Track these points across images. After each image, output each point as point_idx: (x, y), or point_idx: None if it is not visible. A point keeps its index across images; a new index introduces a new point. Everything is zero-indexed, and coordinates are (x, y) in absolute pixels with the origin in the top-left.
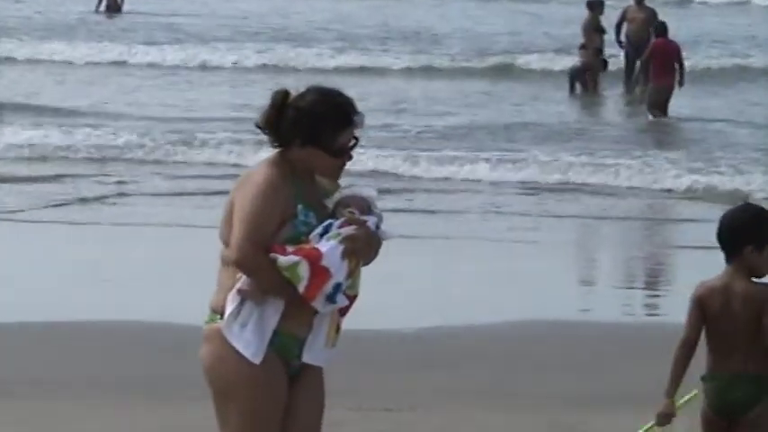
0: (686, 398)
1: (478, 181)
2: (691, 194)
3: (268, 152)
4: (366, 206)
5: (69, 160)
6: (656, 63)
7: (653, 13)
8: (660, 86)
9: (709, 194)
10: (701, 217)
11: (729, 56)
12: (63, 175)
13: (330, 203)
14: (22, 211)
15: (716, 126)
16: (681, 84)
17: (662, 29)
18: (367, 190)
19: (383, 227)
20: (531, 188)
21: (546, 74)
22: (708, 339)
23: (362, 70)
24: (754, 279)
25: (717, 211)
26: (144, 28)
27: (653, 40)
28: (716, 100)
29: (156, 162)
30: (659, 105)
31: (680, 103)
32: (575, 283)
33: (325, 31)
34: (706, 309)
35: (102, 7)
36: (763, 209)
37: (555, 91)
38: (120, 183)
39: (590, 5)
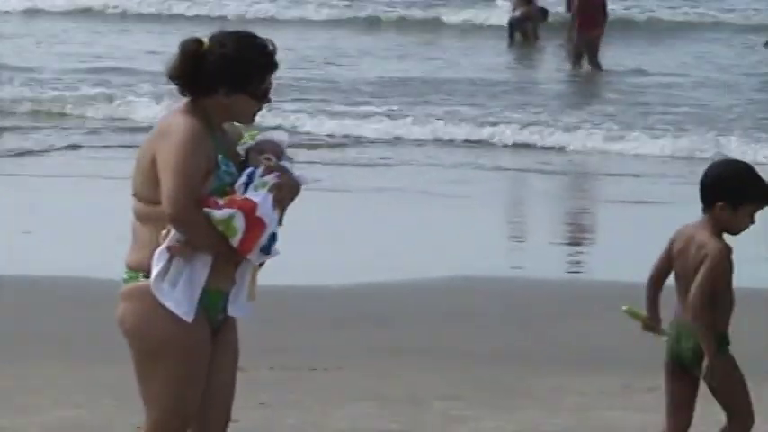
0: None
1: (401, 139)
2: (622, 151)
3: None
4: (280, 151)
5: None
6: (583, 15)
7: None
8: (588, 37)
9: (641, 151)
10: (632, 172)
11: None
12: None
13: (241, 150)
14: None
15: (654, 80)
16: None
17: None
18: (278, 134)
19: (298, 172)
20: (462, 143)
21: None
22: (675, 283)
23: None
24: (726, 235)
25: (648, 167)
26: None
27: None
28: (658, 53)
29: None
30: (590, 57)
31: (620, 54)
32: (506, 238)
33: None
34: (672, 250)
35: None
36: (747, 167)
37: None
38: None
39: None
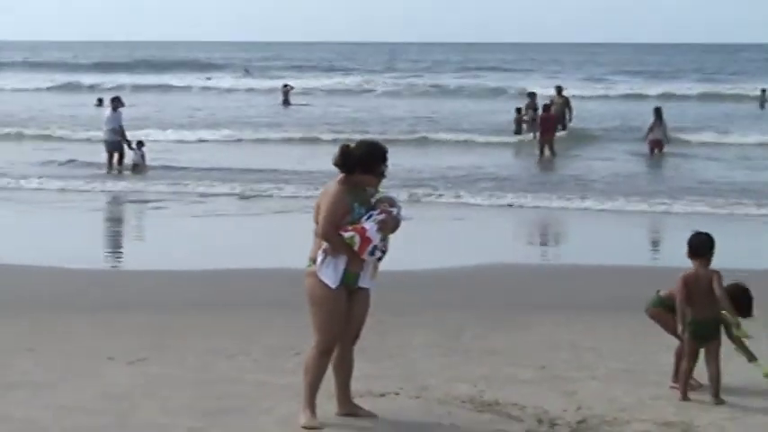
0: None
1: None
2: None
3: None
4: (391, 202)
5: None
6: (543, 126)
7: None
8: (547, 138)
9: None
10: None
11: None
12: None
13: (373, 201)
14: None
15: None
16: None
17: (546, 107)
18: (392, 194)
19: (401, 213)
20: None
21: None
22: None
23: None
24: None
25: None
26: None
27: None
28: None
29: None
30: (549, 148)
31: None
32: None
33: None
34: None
35: None
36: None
37: None
38: None
39: (530, 95)
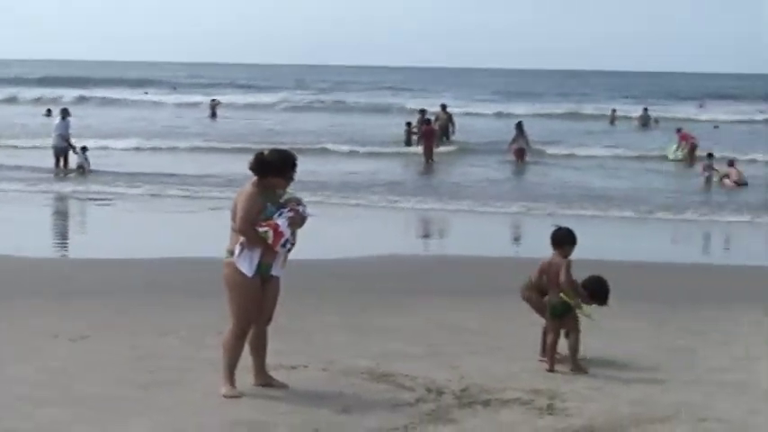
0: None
1: None
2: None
3: None
4: (298, 201)
5: None
6: (426, 140)
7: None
8: (428, 148)
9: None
10: None
11: None
12: None
13: (282, 200)
14: None
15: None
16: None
17: (428, 121)
18: (297, 195)
19: (307, 211)
20: None
21: None
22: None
23: None
24: None
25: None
26: None
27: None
28: None
29: None
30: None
31: None
32: None
33: None
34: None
35: None
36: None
37: None
38: None
39: (420, 111)
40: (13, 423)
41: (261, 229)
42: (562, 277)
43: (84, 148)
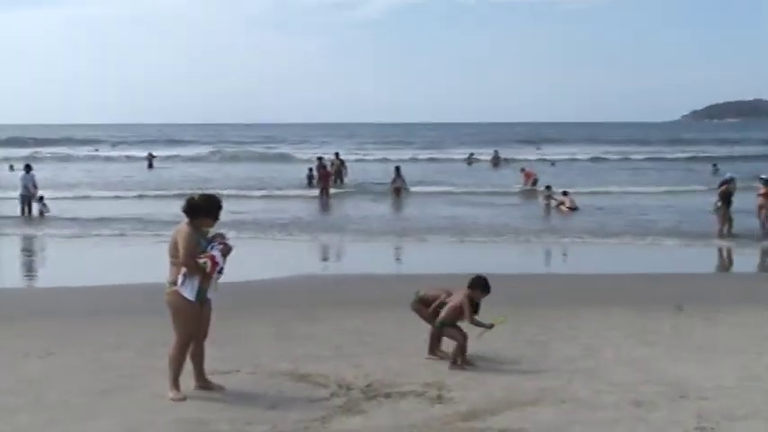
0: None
1: None
2: None
3: None
4: (223, 236)
5: None
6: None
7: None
8: (325, 188)
9: None
10: None
11: None
12: None
13: (209, 236)
14: None
15: None
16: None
17: (324, 166)
18: (221, 231)
19: (230, 243)
20: None
21: None
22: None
23: None
24: None
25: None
26: None
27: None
28: None
29: None
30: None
31: None
32: None
33: None
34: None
35: None
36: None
37: None
38: None
39: (319, 159)
40: None
41: (200, 261)
42: (465, 314)
43: (41, 198)
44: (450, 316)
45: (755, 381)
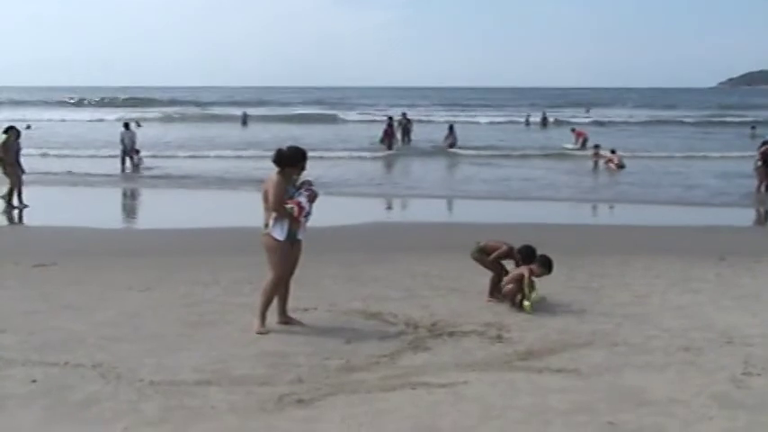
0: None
1: None
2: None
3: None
4: (309, 183)
5: None
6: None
7: None
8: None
9: None
10: None
11: None
12: None
13: (298, 183)
14: None
15: None
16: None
17: (390, 124)
18: (308, 179)
19: (316, 189)
20: None
21: None
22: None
23: None
24: None
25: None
26: None
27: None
28: None
29: None
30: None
31: None
32: None
33: None
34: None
35: None
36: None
37: None
38: None
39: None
40: (98, 356)
41: (288, 206)
42: (524, 284)
43: (138, 151)
44: (508, 280)
45: None
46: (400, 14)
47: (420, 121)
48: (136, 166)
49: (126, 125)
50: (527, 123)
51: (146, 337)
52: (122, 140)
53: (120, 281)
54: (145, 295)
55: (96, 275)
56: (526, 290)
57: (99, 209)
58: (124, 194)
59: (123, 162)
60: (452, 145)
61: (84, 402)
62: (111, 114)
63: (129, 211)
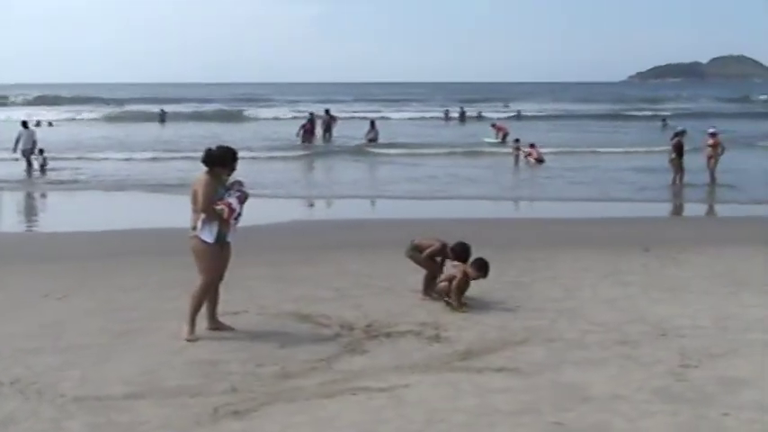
0: None
1: None
2: None
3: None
4: (240, 183)
5: None
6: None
7: None
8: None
9: None
10: None
11: None
12: None
13: (228, 184)
14: None
15: None
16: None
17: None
18: (239, 179)
19: (247, 190)
20: None
21: None
22: None
23: None
24: None
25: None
26: None
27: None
28: None
29: None
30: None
31: None
32: None
33: None
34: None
35: None
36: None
37: None
38: None
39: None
40: (15, 371)
41: (218, 208)
42: (454, 284)
43: (41, 151)
44: (444, 278)
45: (728, 320)
46: (324, 10)
47: (341, 118)
48: (42, 168)
49: (24, 123)
50: (446, 118)
51: (67, 348)
52: (18, 140)
53: (33, 288)
54: (63, 303)
55: (4, 283)
56: (454, 297)
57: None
58: (28, 197)
59: (29, 164)
60: (374, 140)
61: (1, 423)
62: (18, 113)
63: (35, 213)
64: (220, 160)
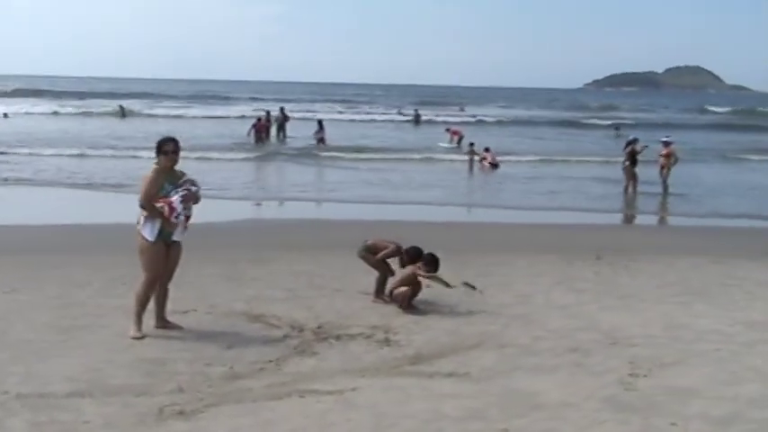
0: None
1: None
2: None
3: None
4: (193, 182)
5: None
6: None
7: None
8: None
9: None
10: None
11: None
12: None
13: (179, 181)
14: None
15: None
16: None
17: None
18: (191, 177)
19: (199, 191)
20: None
21: None
22: None
23: None
24: None
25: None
26: None
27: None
28: None
29: None
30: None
31: None
32: None
33: None
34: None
35: None
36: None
37: None
38: None
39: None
40: None
41: (158, 205)
42: (402, 289)
43: None
44: (398, 282)
45: (679, 329)
46: (283, 9)
47: (298, 118)
48: None
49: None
50: (400, 113)
51: (12, 343)
52: None
53: None
54: (9, 297)
55: None
56: (436, 280)
57: None
58: None
59: None
60: (322, 140)
61: None
62: None
63: None
64: (158, 147)
